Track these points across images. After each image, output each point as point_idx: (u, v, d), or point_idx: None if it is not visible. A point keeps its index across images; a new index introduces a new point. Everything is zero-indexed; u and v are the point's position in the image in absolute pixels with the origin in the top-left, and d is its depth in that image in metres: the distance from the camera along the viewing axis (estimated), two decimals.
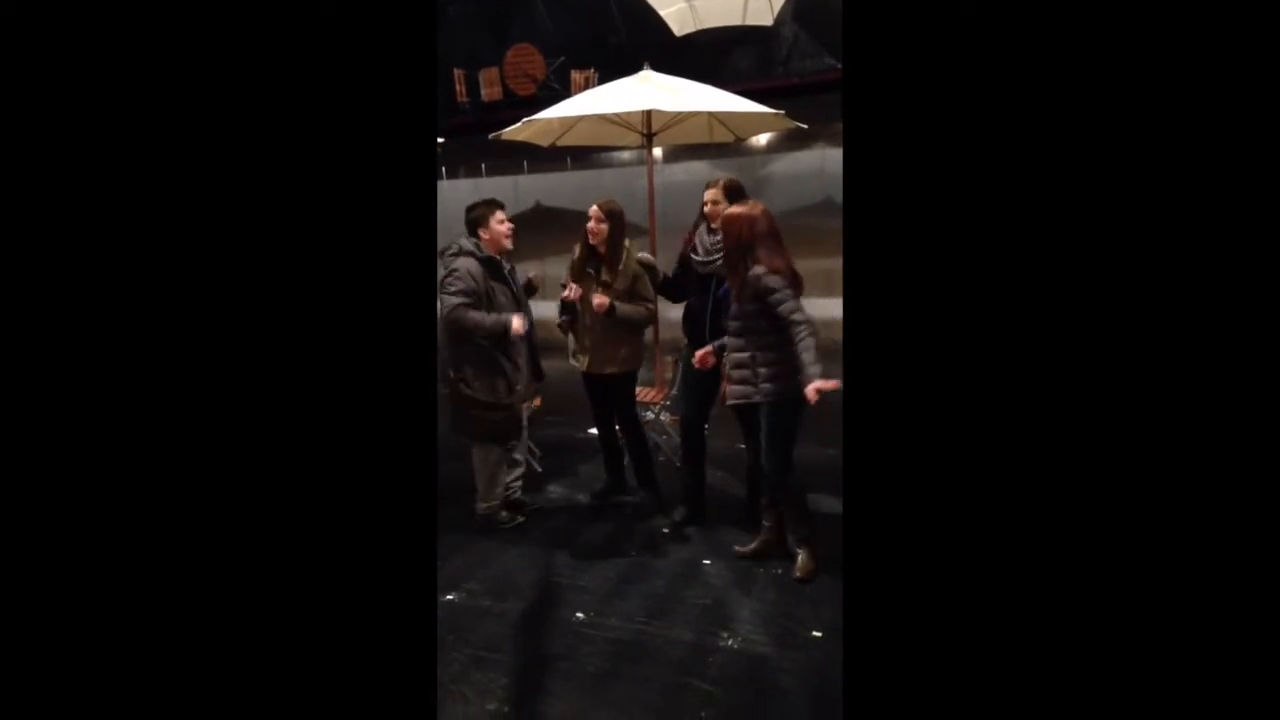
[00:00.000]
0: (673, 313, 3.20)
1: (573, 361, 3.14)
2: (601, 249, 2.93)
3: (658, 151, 6.26)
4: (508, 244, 2.92)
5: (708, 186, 2.87)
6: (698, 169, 6.03)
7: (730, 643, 2.25)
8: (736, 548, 2.80)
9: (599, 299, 2.87)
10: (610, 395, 3.12)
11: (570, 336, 3.13)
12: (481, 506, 3.10)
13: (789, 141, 5.75)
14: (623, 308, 2.90)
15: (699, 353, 2.71)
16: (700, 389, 2.88)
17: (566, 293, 2.98)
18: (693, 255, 2.88)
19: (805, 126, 3.80)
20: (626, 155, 6.56)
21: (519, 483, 3.20)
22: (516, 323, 2.78)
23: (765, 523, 2.73)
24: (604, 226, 2.90)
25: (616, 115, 3.54)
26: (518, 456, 3.17)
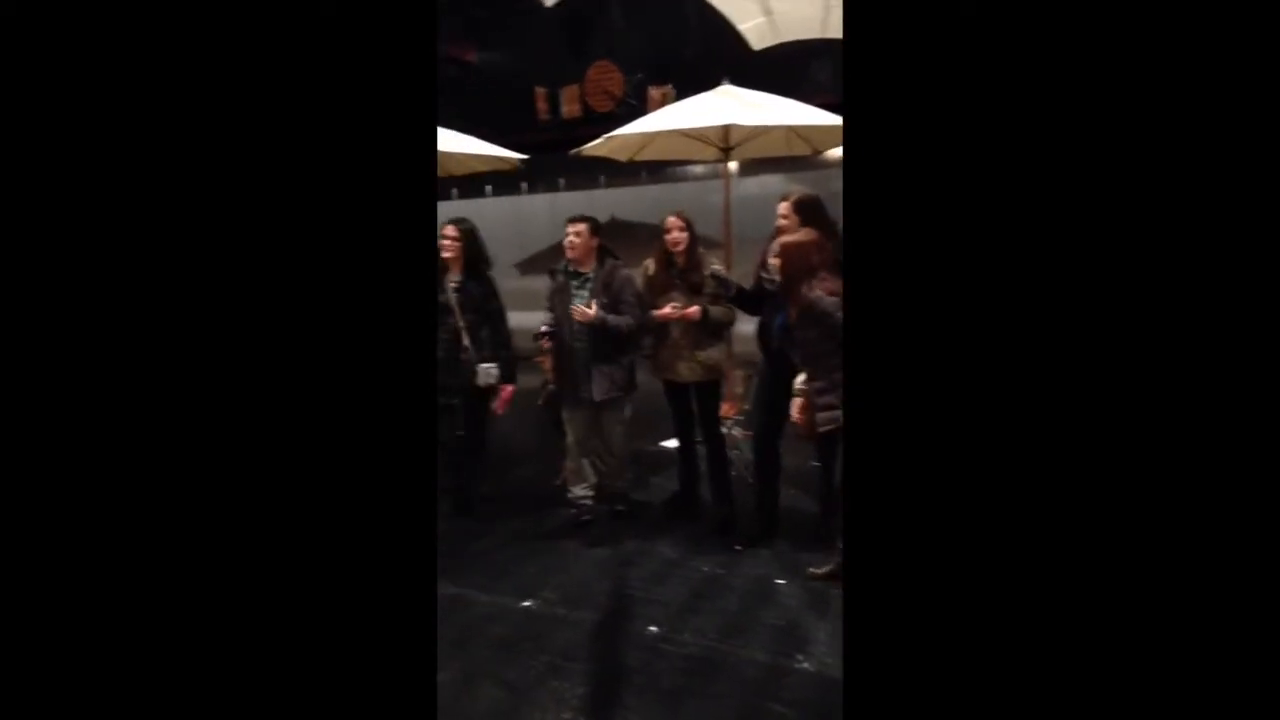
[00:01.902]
0: (745, 327, 3.19)
1: (657, 375, 3.15)
2: (681, 258, 2.97)
3: (732, 165, 6.27)
4: (569, 253, 3.03)
5: (782, 200, 2.85)
6: (771, 182, 5.98)
7: (805, 665, 2.21)
8: (811, 569, 2.75)
9: (693, 308, 2.91)
10: (698, 403, 3.13)
11: (653, 355, 3.15)
12: (569, 494, 3.29)
13: None
14: (714, 310, 2.94)
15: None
16: (776, 404, 2.85)
17: (664, 312, 2.96)
18: (763, 273, 2.86)
19: None
20: (700, 169, 6.58)
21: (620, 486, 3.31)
22: (546, 334, 3.06)
23: (840, 545, 2.68)
24: (685, 235, 2.95)
25: (695, 130, 3.56)
26: (598, 460, 3.27)
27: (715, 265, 2.97)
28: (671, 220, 2.96)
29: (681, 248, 2.95)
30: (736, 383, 3.93)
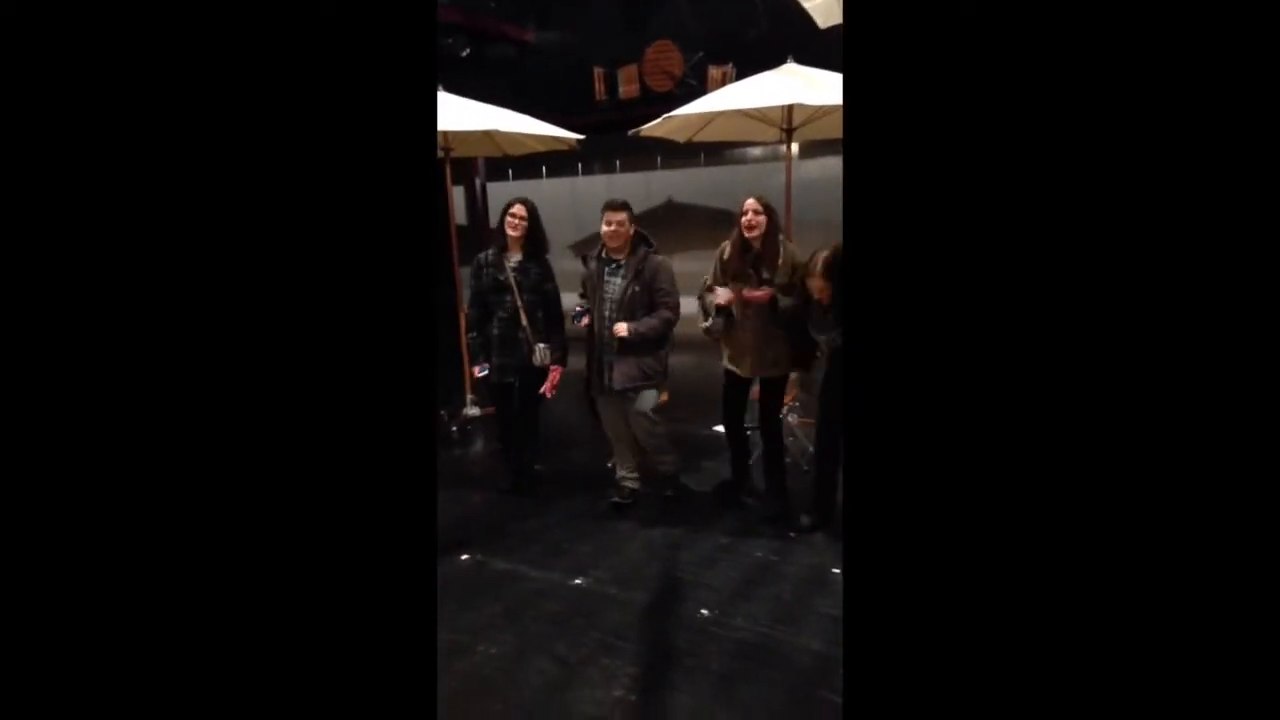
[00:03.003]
0: None
1: (728, 366, 3.09)
2: (758, 244, 2.85)
3: (793, 148, 6.14)
4: (609, 242, 2.97)
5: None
6: (832, 165, 5.84)
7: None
8: None
9: (763, 292, 2.80)
10: (762, 395, 3.08)
11: (723, 342, 3.06)
12: (617, 475, 3.36)
13: None
14: (784, 300, 2.82)
15: None
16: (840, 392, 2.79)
17: (719, 297, 2.89)
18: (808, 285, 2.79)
19: None
20: (758, 151, 6.47)
21: (667, 464, 3.31)
22: (581, 315, 3.03)
23: None
24: (763, 219, 2.82)
25: (757, 110, 3.49)
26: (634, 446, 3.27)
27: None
28: (749, 203, 2.83)
29: (758, 232, 2.82)
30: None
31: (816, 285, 2.66)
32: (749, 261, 2.87)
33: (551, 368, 3.23)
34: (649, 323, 2.95)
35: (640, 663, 2.22)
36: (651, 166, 6.77)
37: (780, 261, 2.86)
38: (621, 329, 2.93)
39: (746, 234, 2.84)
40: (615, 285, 2.98)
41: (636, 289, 2.95)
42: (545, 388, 3.25)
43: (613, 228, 2.93)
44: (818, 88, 3.19)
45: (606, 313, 2.99)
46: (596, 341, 3.05)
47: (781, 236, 2.91)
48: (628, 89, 6.52)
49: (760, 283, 2.84)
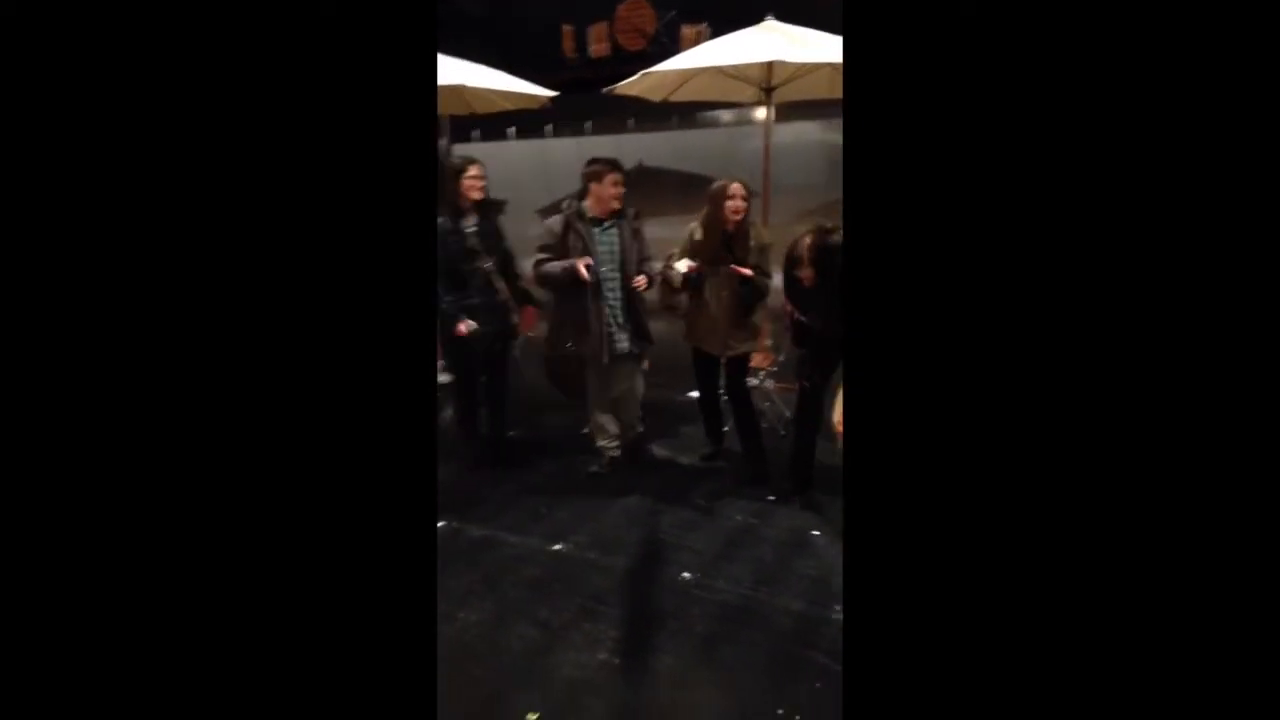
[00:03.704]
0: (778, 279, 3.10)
1: (693, 343, 3.07)
2: (734, 228, 2.83)
3: (762, 111, 6.06)
4: (614, 205, 2.89)
5: (734, 182, 2.81)
6: (807, 130, 5.78)
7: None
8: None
9: (741, 270, 2.80)
10: (727, 374, 3.07)
11: (687, 320, 3.04)
12: (597, 445, 3.27)
13: None
14: (760, 281, 2.84)
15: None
16: (825, 356, 2.77)
17: (685, 267, 2.86)
18: (792, 271, 2.76)
19: None
20: (731, 115, 6.36)
21: (638, 429, 3.27)
22: (580, 266, 2.81)
23: None
24: (747, 205, 2.81)
25: (736, 68, 3.41)
26: (619, 413, 3.22)
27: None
28: (735, 188, 2.79)
29: (740, 217, 2.81)
30: (766, 335, 3.85)
31: (806, 275, 2.63)
32: (722, 244, 2.84)
33: (526, 308, 3.19)
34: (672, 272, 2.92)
35: (623, 626, 2.20)
36: (623, 129, 6.62)
37: (753, 243, 2.85)
38: (641, 281, 2.89)
39: (731, 217, 2.80)
40: (611, 245, 2.91)
41: (637, 248, 2.93)
42: (521, 326, 3.18)
43: (617, 188, 2.87)
44: (799, 45, 3.12)
45: (606, 274, 2.91)
46: (595, 306, 2.91)
47: (752, 219, 2.89)
48: (598, 47, 6.34)
49: (735, 262, 2.84)
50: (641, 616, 2.25)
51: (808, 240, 2.60)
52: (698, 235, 2.91)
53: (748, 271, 2.80)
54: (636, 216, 3.00)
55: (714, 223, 2.82)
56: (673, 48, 5.57)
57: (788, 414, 3.60)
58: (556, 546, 2.67)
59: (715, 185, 2.82)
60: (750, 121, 6.48)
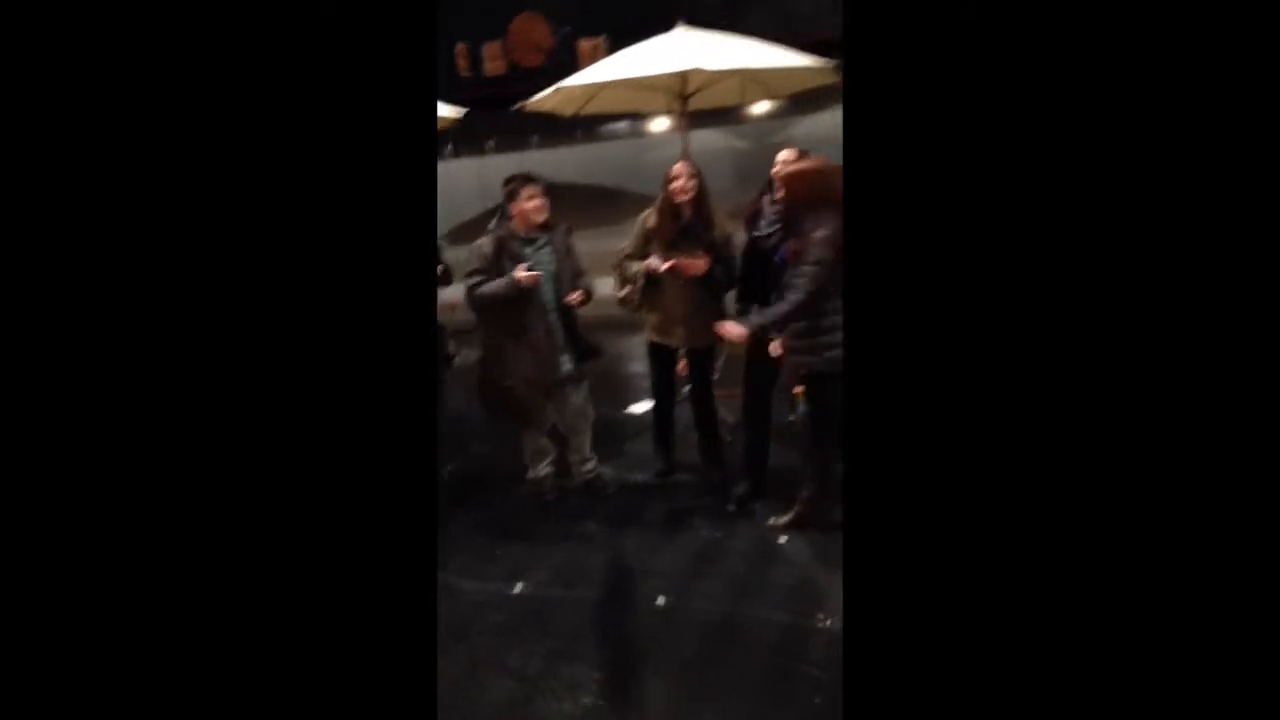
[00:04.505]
0: None
1: (654, 339, 2.97)
2: (689, 210, 2.73)
3: (664, 121, 6.07)
4: (538, 219, 2.78)
5: (784, 150, 2.68)
6: (712, 138, 5.85)
7: (828, 623, 2.14)
8: (772, 520, 2.70)
9: (700, 261, 2.70)
10: (691, 368, 2.99)
11: (647, 314, 2.94)
12: (529, 476, 3.10)
13: (800, 106, 5.54)
14: (718, 269, 2.75)
15: (731, 330, 2.51)
16: (769, 358, 2.74)
17: (650, 265, 2.76)
18: (754, 233, 2.73)
19: None
20: (632, 127, 6.37)
21: (591, 464, 3.14)
22: (520, 273, 2.66)
23: (803, 493, 2.63)
24: (695, 182, 2.71)
25: (650, 78, 3.36)
26: (562, 432, 3.10)
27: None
28: (678, 168, 2.72)
29: (689, 198, 2.72)
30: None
31: (781, 196, 2.54)
32: (681, 228, 2.76)
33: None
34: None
35: (603, 665, 2.08)
36: (527, 146, 6.49)
37: (716, 230, 2.78)
38: (578, 297, 2.79)
39: (679, 199, 2.72)
40: (545, 263, 2.79)
41: (570, 264, 2.83)
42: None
43: (536, 202, 2.76)
44: (717, 51, 3.11)
45: (545, 294, 2.77)
46: (539, 323, 2.76)
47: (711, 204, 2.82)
48: (493, 65, 6.19)
49: (697, 247, 2.75)
50: (621, 651, 2.14)
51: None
52: (650, 222, 2.82)
53: (700, 264, 2.70)
54: (568, 232, 2.90)
55: (665, 207, 2.76)
56: (571, 63, 5.50)
57: (730, 420, 3.56)
58: (517, 588, 2.50)
59: (667, 171, 2.78)
60: (652, 132, 6.51)
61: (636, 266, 2.83)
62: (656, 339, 2.96)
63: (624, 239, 2.97)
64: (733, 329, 2.49)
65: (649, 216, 2.85)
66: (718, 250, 2.76)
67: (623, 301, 2.93)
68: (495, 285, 2.71)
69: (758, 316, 2.49)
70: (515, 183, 2.80)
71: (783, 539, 2.64)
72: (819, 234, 2.32)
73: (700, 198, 2.75)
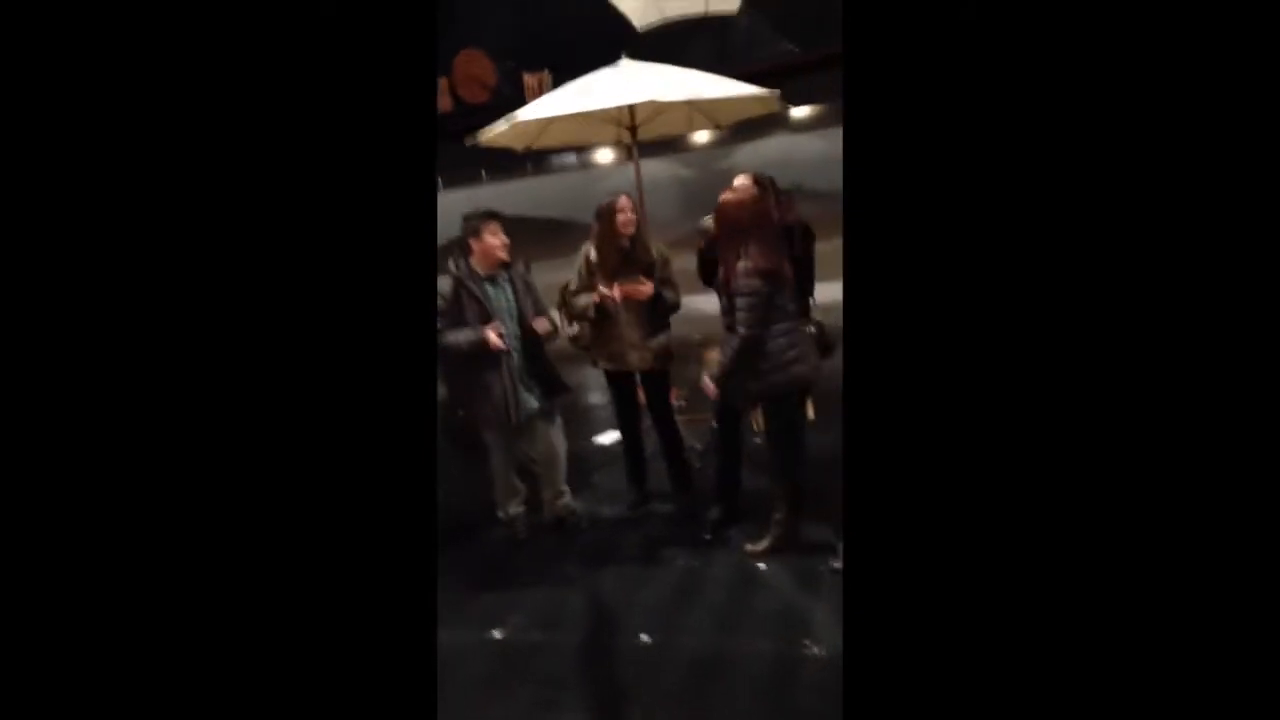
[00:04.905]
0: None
1: (608, 367, 2.97)
2: (627, 242, 2.81)
3: (609, 152, 6.11)
4: (501, 256, 2.75)
5: (738, 176, 2.74)
6: (655, 168, 5.91)
7: (816, 650, 2.12)
8: (747, 545, 2.69)
9: (646, 286, 2.77)
10: (647, 393, 3.00)
11: (595, 347, 2.96)
12: (500, 515, 3.04)
13: (742, 134, 5.64)
14: (666, 293, 2.83)
15: (707, 387, 2.61)
16: (740, 378, 2.73)
17: (600, 296, 2.81)
18: (707, 254, 2.76)
19: (795, 108, 3.74)
20: (572, 159, 6.41)
21: (565, 499, 3.08)
22: (492, 335, 2.63)
23: (775, 516, 2.63)
24: (635, 216, 2.81)
25: (601, 110, 3.38)
26: (532, 469, 3.04)
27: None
28: (623, 201, 2.80)
29: (632, 230, 2.81)
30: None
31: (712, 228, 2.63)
32: (624, 257, 2.81)
33: None
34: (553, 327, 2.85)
35: (590, 710, 2.01)
36: (477, 180, 6.46)
37: (655, 255, 2.85)
38: (543, 323, 2.79)
39: (623, 231, 2.78)
40: (506, 302, 2.76)
41: (529, 302, 2.81)
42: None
43: (499, 239, 2.73)
44: (667, 83, 3.15)
45: (506, 331, 2.71)
46: (496, 368, 2.71)
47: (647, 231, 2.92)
48: (440, 102, 6.16)
49: (640, 273, 2.82)
50: (608, 694, 2.07)
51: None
52: (593, 256, 2.86)
53: (647, 289, 2.79)
54: (526, 267, 2.88)
55: (608, 238, 2.81)
56: (517, 98, 5.52)
57: (698, 446, 3.55)
58: (495, 634, 2.42)
59: (603, 204, 2.82)
60: (599, 164, 6.55)
61: (585, 299, 2.86)
62: (612, 367, 2.96)
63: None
64: (709, 387, 2.60)
65: (589, 250, 2.89)
66: (658, 273, 2.84)
67: (574, 340, 2.97)
68: (460, 339, 2.66)
69: (718, 369, 2.55)
70: (476, 220, 2.76)
71: (762, 565, 2.62)
72: (742, 265, 2.38)
73: (640, 228, 2.86)
